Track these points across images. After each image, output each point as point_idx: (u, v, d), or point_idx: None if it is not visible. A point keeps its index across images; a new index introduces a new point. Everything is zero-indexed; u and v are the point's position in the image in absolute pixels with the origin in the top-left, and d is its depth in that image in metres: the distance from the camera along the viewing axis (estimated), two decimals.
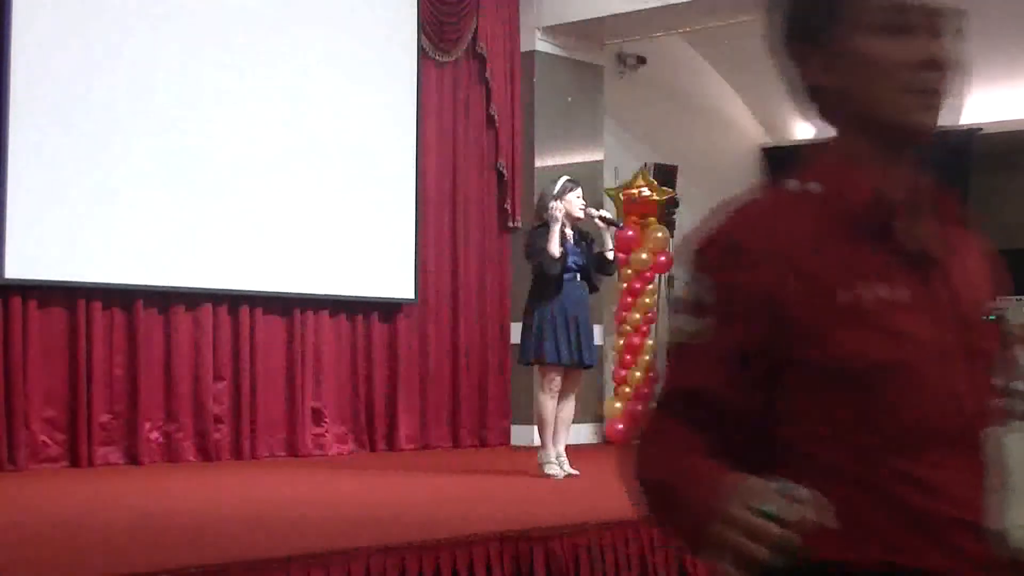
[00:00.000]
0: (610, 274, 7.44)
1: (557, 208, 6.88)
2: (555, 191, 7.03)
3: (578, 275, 6.98)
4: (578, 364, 6.92)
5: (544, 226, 6.99)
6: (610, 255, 7.09)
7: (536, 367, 7.01)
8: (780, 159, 13.01)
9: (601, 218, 7.07)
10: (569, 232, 7.00)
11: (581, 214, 7.03)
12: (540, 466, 6.92)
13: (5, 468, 7.06)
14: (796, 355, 1.48)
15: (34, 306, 7.30)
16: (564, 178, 7.16)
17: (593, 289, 7.11)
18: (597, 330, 10.01)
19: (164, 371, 7.83)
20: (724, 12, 10.01)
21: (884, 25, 1.49)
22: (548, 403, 6.92)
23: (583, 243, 7.04)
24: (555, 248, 6.81)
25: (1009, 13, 10.77)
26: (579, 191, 7.08)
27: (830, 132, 1.61)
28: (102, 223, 7.52)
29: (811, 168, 1.57)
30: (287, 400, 8.43)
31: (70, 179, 7.39)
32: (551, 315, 6.88)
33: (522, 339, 7.07)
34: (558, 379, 6.94)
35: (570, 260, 6.92)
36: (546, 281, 6.94)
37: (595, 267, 7.06)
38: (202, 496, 6.17)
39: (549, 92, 10.09)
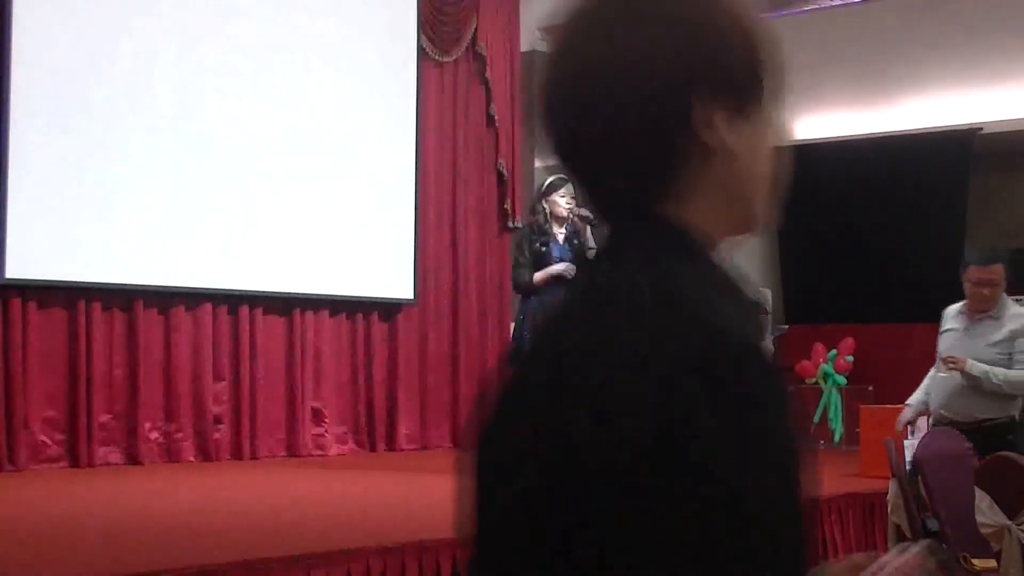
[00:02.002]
0: None
1: (563, 267, 6.85)
2: (541, 191, 7.00)
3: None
4: None
5: (526, 227, 6.97)
6: (590, 254, 7.01)
7: None
8: (780, 159, 12.99)
9: (580, 216, 7.00)
10: (559, 231, 6.97)
11: (566, 214, 6.96)
12: None
13: (5, 468, 7.05)
14: None
15: (34, 306, 7.30)
16: (552, 177, 7.11)
17: None
18: None
19: (164, 371, 7.82)
20: None
21: None
22: None
23: (575, 241, 7.00)
24: (536, 279, 6.81)
25: (1009, 14, 10.78)
26: (566, 189, 6.93)
27: None
28: (102, 223, 7.51)
29: None
30: (287, 400, 8.43)
31: (70, 179, 7.39)
32: (533, 315, 6.86)
33: (512, 339, 7.06)
34: None
35: (554, 259, 6.89)
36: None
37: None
38: (202, 496, 6.17)
39: None
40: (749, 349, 1.05)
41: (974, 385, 4.99)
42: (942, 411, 5.09)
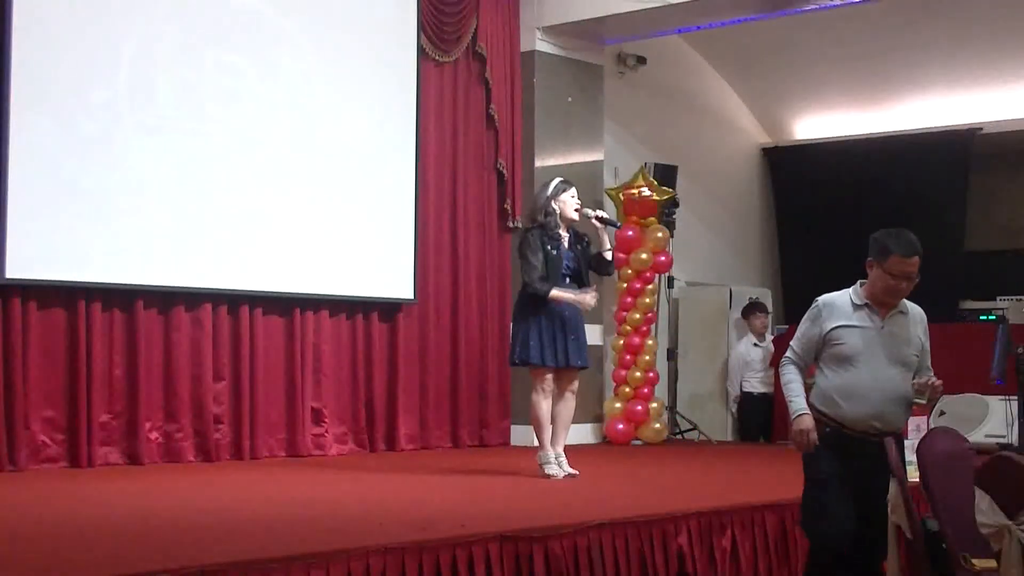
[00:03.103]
0: (609, 274, 7.38)
1: (590, 297, 6.82)
2: (548, 192, 6.98)
3: (568, 278, 6.92)
4: (565, 365, 6.89)
5: (535, 228, 6.94)
6: (608, 255, 7.03)
7: (529, 368, 6.97)
8: (780, 159, 13.01)
9: (598, 218, 7.01)
10: (564, 234, 6.96)
11: (576, 215, 6.96)
12: (540, 466, 6.91)
13: (5, 468, 7.06)
14: None
15: (34, 306, 7.30)
16: (557, 179, 7.10)
17: None
18: (597, 330, 10.02)
19: (164, 371, 7.82)
20: (724, 12, 10.02)
21: None
22: (542, 403, 6.89)
23: (578, 245, 6.98)
24: (553, 296, 6.77)
25: (1009, 14, 10.78)
26: (573, 191, 6.98)
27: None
28: (102, 223, 7.52)
29: None
30: (287, 400, 8.43)
31: (70, 179, 7.39)
32: (539, 316, 6.84)
33: (512, 340, 7.04)
34: (549, 379, 6.91)
35: (563, 263, 6.88)
36: None
37: (593, 267, 7.01)
38: (202, 496, 6.17)
39: (549, 92, 10.09)
40: None
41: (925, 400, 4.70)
42: (875, 423, 4.65)
